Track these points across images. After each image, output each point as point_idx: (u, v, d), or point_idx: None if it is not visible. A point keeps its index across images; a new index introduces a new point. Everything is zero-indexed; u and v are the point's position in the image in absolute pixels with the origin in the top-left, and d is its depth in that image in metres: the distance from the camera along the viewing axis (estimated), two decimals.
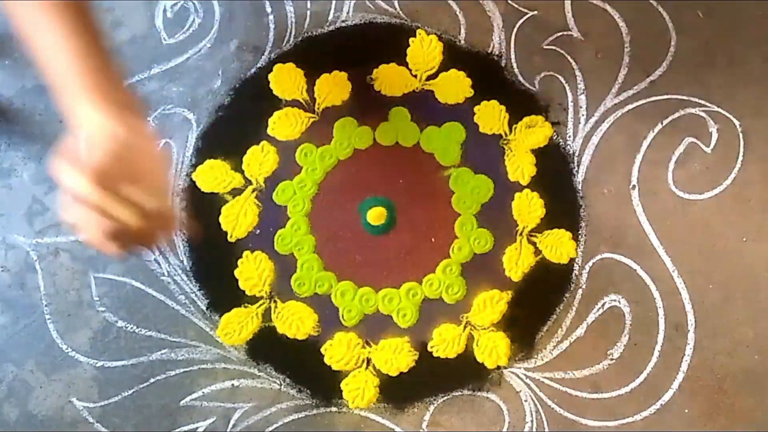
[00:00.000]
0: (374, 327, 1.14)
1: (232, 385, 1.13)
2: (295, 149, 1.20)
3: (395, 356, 1.12)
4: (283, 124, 1.20)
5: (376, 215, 1.15)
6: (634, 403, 1.10)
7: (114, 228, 0.65)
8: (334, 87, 1.21)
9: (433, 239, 1.17)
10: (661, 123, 1.17)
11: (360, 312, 1.14)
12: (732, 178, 1.16)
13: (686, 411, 1.10)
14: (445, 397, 1.12)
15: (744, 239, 1.14)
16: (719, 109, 1.17)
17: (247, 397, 1.12)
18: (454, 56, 1.23)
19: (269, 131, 1.20)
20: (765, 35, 1.20)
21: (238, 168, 1.20)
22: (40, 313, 1.17)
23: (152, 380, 1.14)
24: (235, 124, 1.22)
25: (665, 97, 1.18)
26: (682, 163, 1.16)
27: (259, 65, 1.24)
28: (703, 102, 1.17)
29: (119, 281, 1.17)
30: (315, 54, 1.24)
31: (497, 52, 1.23)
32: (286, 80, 1.22)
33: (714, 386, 1.10)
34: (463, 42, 1.23)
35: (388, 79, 1.21)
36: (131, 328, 1.15)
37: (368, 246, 1.17)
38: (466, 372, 1.13)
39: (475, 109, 1.20)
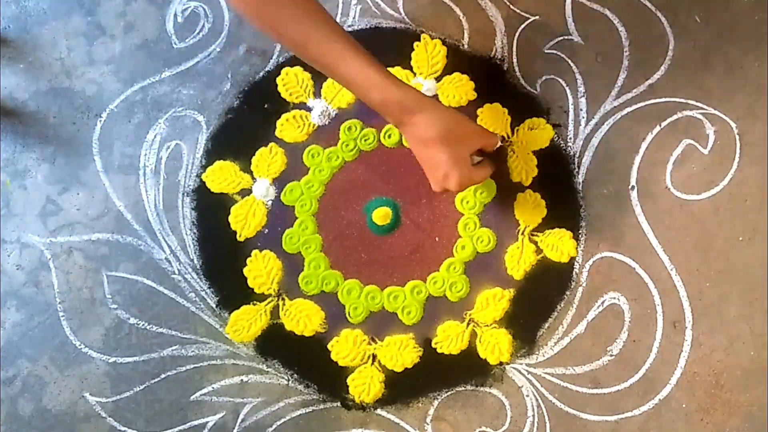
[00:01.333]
0: (379, 324, 1.17)
1: (241, 380, 1.16)
2: (302, 151, 1.22)
3: (400, 353, 1.14)
4: (291, 127, 1.22)
5: (381, 215, 1.18)
6: (633, 398, 1.13)
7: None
8: (341, 90, 1.23)
9: (437, 238, 1.19)
10: (660, 125, 1.19)
11: (366, 309, 1.17)
12: (728, 178, 1.17)
13: (684, 406, 1.12)
14: (449, 393, 1.15)
15: (740, 238, 1.16)
16: (716, 112, 1.18)
17: (255, 392, 1.16)
18: (458, 60, 1.24)
19: (277, 133, 1.23)
20: (761, 39, 1.20)
21: (246, 169, 1.22)
22: (53, 310, 1.20)
23: (163, 376, 1.17)
24: (244, 127, 1.24)
25: (663, 100, 1.20)
26: (680, 164, 1.18)
27: (267, 69, 1.26)
28: (700, 105, 1.19)
29: (131, 279, 1.21)
30: None
31: (500, 56, 1.24)
32: (294, 84, 1.24)
33: (711, 382, 1.13)
34: (466, 46, 1.25)
35: None
36: (143, 325, 1.19)
37: (373, 245, 1.19)
38: (469, 368, 1.16)
39: (478, 111, 1.21)
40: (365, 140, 1.21)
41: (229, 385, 1.16)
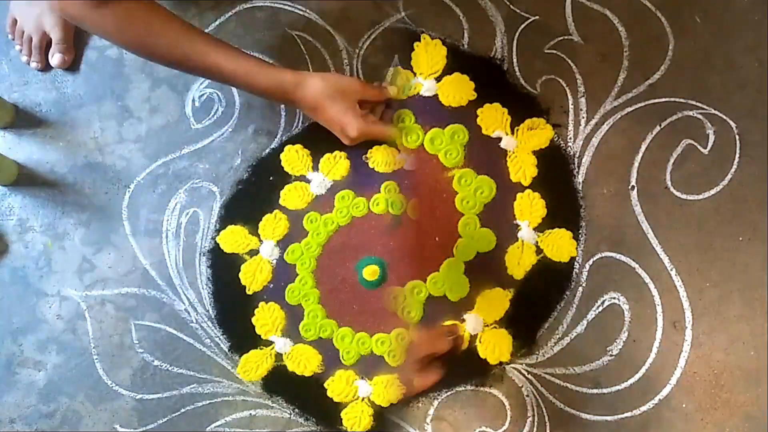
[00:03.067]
0: (369, 366, 1.48)
1: (250, 414, 1.51)
2: (302, 217, 1.56)
3: (386, 390, 1.44)
4: (293, 196, 1.57)
5: (370, 272, 1.51)
6: (633, 398, 1.36)
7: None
8: (336, 164, 1.57)
9: (437, 238, 1.46)
10: (659, 125, 1.44)
11: (357, 353, 1.49)
12: (728, 178, 1.41)
13: (684, 405, 1.35)
14: (449, 393, 1.43)
15: (740, 238, 1.39)
16: (716, 112, 1.42)
17: (262, 425, 1.50)
18: (458, 60, 1.52)
19: (281, 202, 1.58)
20: (760, 40, 1.44)
21: (255, 232, 1.58)
22: (88, 354, 1.59)
23: (183, 410, 1.53)
24: (253, 196, 1.61)
25: (663, 100, 1.45)
26: (680, 164, 1.42)
27: (272, 146, 1.63)
28: (700, 105, 1.43)
29: (155, 327, 1.58)
30: (319, 137, 1.56)
31: (500, 56, 1.52)
32: (295, 159, 1.58)
33: (711, 382, 1.35)
34: (466, 46, 1.53)
35: (380, 157, 1.56)
36: (165, 366, 1.56)
37: (364, 298, 1.51)
38: (469, 368, 1.42)
39: (478, 111, 1.48)
40: (356, 207, 1.54)
41: (240, 419, 1.51)
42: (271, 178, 1.62)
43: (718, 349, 1.37)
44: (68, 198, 1.70)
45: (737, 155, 1.42)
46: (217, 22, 1.73)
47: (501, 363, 1.42)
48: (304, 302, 1.55)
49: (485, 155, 1.49)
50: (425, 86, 1.53)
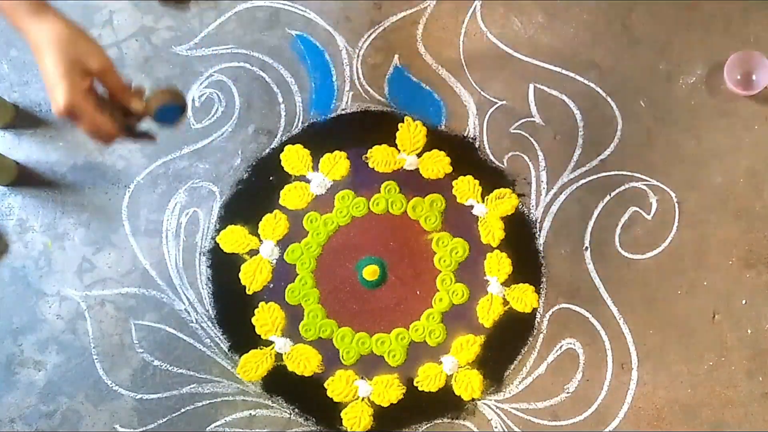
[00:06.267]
0: (369, 366, 1.35)
1: (250, 414, 1.34)
2: (302, 217, 1.39)
3: (386, 390, 1.33)
4: (293, 196, 1.40)
5: (370, 272, 1.37)
6: (587, 430, 1.32)
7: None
8: (335, 164, 1.41)
9: (418, 292, 1.37)
10: (609, 195, 1.38)
11: (357, 353, 1.35)
12: (669, 240, 1.36)
13: None
14: (428, 425, 1.33)
15: (678, 292, 1.35)
16: (658, 183, 1.38)
17: (262, 425, 1.34)
18: (436, 138, 1.42)
19: (281, 202, 1.40)
20: (696, 121, 1.40)
21: (254, 232, 1.40)
22: (88, 354, 1.38)
23: (183, 410, 1.35)
24: (253, 196, 1.42)
25: (613, 173, 1.39)
26: (627, 228, 1.37)
27: (272, 146, 1.43)
28: (644, 177, 1.38)
29: (155, 327, 1.38)
30: (319, 137, 1.43)
31: (472, 135, 1.42)
32: (295, 159, 1.41)
33: (654, 415, 1.31)
34: (443, 126, 1.42)
35: (381, 157, 1.41)
36: (165, 366, 1.37)
37: (364, 298, 1.37)
38: (445, 403, 1.34)
39: (454, 183, 1.39)
40: (356, 207, 1.39)
41: (240, 418, 1.34)
42: (271, 178, 1.44)
43: (660, 387, 1.33)
44: (68, 198, 1.46)
45: (676, 221, 1.38)
46: (217, 22, 1.50)
47: (473, 399, 1.34)
48: (304, 302, 1.39)
49: (460, 220, 1.40)
50: (408, 161, 1.42)
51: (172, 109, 0.98)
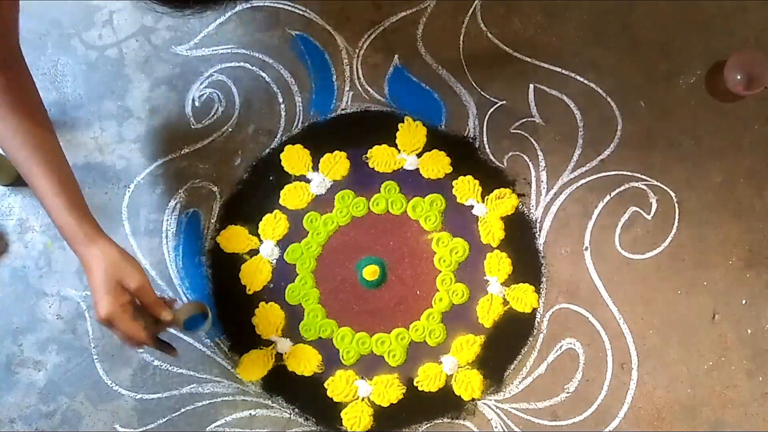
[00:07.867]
0: (369, 366, 1.34)
1: (250, 414, 1.33)
2: (302, 217, 1.38)
3: (386, 390, 1.32)
4: (293, 196, 1.39)
5: (370, 272, 1.36)
6: (587, 430, 1.30)
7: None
8: (335, 164, 1.40)
9: (418, 292, 1.36)
10: (609, 195, 1.37)
11: (357, 353, 1.34)
12: (668, 240, 1.35)
13: None
14: (428, 425, 1.32)
15: (679, 292, 1.34)
16: (658, 183, 1.37)
17: (262, 425, 1.32)
18: (436, 139, 1.41)
19: (281, 202, 1.39)
20: (696, 122, 1.39)
21: (255, 232, 1.38)
22: (88, 354, 1.35)
23: (183, 410, 1.33)
24: (253, 196, 1.40)
25: (613, 173, 1.38)
26: (627, 228, 1.36)
27: (272, 146, 1.42)
28: (644, 177, 1.37)
29: None
30: (319, 137, 1.42)
31: (472, 135, 1.41)
32: (295, 159, 1.40)
33: (654, 415, 1.31)
34: (443, 126, 1.41)
35: (381, 157, 1.41)
36: (165, 366, 1.35)
37: (364, 298, 1.36)
38: (445, 403, 1.33)
39: (454, 183, 1.38)
40: (357, 207, 1.38)
41: (240, 418, 1.32)
42: (271, 178, 1.42)
43: (660, 387, 1.33)
44: None
45: (676, 221, 1.38)
46: (216, 22, 1.49)
47: (473, 399, 1.34)
48: (304, 302, 1.38)
49: (460, 220, 1.40)
50: (408, 161, 1.41)
51: (196, 318, 1.24)
